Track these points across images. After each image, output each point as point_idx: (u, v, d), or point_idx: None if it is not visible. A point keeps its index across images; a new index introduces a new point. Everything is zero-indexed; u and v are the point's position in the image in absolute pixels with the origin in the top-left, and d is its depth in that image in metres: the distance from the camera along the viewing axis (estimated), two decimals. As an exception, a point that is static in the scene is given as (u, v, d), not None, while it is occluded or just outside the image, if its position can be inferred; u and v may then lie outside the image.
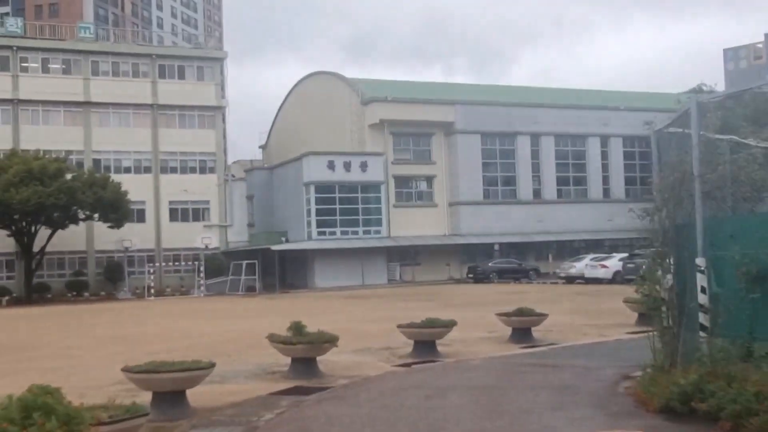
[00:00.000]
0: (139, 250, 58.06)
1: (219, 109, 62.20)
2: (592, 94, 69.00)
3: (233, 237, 62.15)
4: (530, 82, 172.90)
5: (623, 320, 21.84)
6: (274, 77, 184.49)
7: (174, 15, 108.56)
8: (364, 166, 57.20)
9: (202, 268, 55.82)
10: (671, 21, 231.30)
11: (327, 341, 14.05)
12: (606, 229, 63.26)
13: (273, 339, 14.40)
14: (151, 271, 56.31)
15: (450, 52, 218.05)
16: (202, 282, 55.57)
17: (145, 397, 12.45)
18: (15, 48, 57.29)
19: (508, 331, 19.41)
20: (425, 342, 16.29)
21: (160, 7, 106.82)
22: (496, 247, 60.01)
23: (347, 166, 56.89)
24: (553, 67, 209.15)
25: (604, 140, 65.33)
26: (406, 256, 60.16)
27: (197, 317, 32.92)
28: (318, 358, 14.45)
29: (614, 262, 45.51)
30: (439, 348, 16.35)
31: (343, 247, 55.92)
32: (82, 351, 20.29)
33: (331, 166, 56.67)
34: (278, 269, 56.98)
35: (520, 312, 18.06)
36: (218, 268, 58.36)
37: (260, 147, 77.70)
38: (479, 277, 54.96)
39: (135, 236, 56.81)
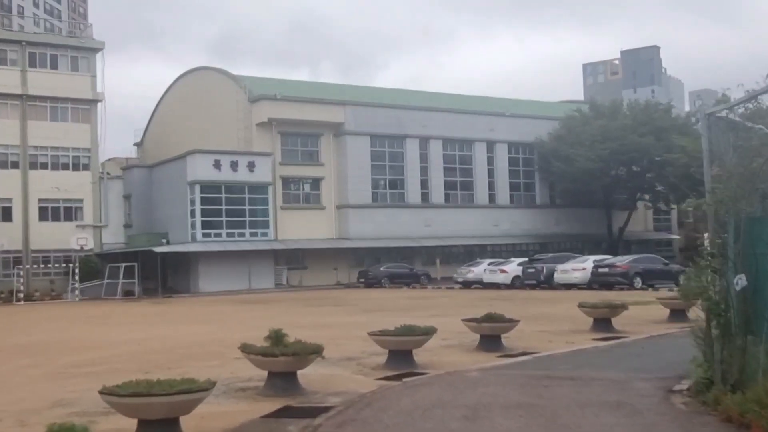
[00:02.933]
0: (5, 252, 53.68)
1: (94, 103, 58.36)
2: (479, 100, 69.35)
3: (109, 238, 58.53)
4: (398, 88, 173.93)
5: (573, 326, 21.16)
6: (139, 74, 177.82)
7: (36, 5, 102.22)
8: (251, 166, 55.01)
9: (76, 271, 52.15)
10: (533, 34, 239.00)
11: (312, 352, 12.42)
12: (492, 234, 63.60)
13: (248, 350, 12.63)
14: (20, 274, 52.18)
15: (318, 56, 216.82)
16: (76, 286, 51.90)
17: (108, 425, 10.57)
18: None
19: (465, 338, 18.36)
20: (400, 351, 14.89)
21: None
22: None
23: (234, 166, 54.56)
24: (420, 75, 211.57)
25: (491, 146, 65.64)
26: (293, 259, 58.37)
27: (89, 324, 30.26)
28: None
29: (513, 267, 45.37)
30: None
31: (229, 250, 53.58)
32: (-17, 365, 17.70)
33: (217, 165, 54.19)
34: (160, 272, 53.98)
35: (490, 318, 16.92)
36: (92, 271, 54.74)
37: (135, 144, 73.87)
38: (370, 281, 53.84)
39: (1, 236, 52.53)
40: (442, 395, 11.50)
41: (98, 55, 59.06)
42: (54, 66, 57.36)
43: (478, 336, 17.60)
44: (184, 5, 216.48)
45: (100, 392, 9.22)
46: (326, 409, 11.11)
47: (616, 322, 20.49)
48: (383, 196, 61.53)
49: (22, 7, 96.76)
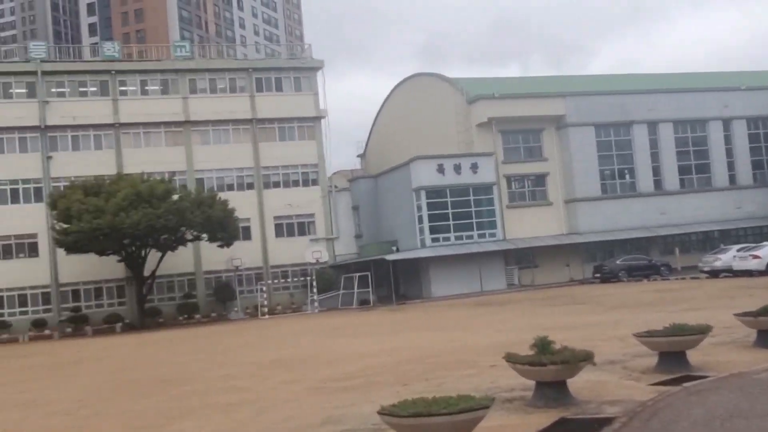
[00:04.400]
0: (247, 269, 56.66)
1: (318, 120, 60.42)
2: (709, 77, 65.08)
3: (341, 249, 60.21)
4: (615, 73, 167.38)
5: None
6: (353, 88, 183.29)
7: (256, 33, 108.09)
8: (474, 168, 54.58)
9: (314, 284, 54.00)
10: (756, 4, 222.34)
11: (582, 359, 11.50)
12: (734, 218, 59.33)
13: (513, 359, 11.90)
14: (263, 289, 54.87)
15: (525, 50, 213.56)
16: (315, 298, 53.73)
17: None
18: (113, 72, 56.56)
19: (735, 333, 16.70)
20: (672, 353, 13.63)
21: (243, 26, 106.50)
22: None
23: (457, 169, 54.35)
24: (634, 58, 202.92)
25: (727, 123, 61.22)
26: (523, 258, 57.25)
27: (334, 335, 30.77)
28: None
29: (767, 252, 41.69)
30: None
31: (458, 253, 53.35)
32: (246, 381, 18.19)
33: (440, 169, 54.19)
34: (392, 280, 54.71)
35: (768, 311, 15.17)
36: (328, 283, 56.49)
37: (358, 156, 75.79)
38: (606, 276, 51.70)
39: (242, 254, 55.45)
40: (737, 403, 10.23)
41: (318, 74, 61.10)
42: (279, 88, 59.95)
43: (750, 331, 15.93)
44: (387, 17, 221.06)
45: (380, 413, 8.83)
46: (607, 420, 10.19)
47: None
48: (612, 187, 59.03)
49: (245, 37, 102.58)
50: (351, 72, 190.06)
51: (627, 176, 59.52)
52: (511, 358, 11.95)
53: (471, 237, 54.66)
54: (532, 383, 12.15)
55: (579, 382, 12.80)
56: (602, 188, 58.51)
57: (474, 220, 54.83)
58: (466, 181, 54.45)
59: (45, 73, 55.20)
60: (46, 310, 53.73)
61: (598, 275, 52.63)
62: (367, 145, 74.77)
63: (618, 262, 52.71)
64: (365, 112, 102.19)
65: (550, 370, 11.39)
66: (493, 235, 55.20)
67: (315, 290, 53.79)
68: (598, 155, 58.32)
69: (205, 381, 18.84)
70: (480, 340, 22.44)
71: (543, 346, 11.65)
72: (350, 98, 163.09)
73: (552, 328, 21.27)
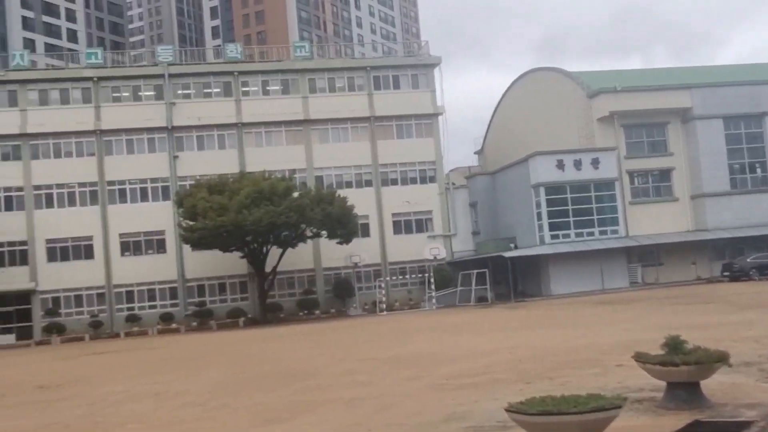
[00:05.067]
0: (365, 265, 57.15)
1: (435, 117, 60.40)
2: None
3: (458, 246, 59.99)
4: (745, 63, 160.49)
5: None
6: (470, 84, 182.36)
7: (373, 31, 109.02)
8: (595, 163, 53.38)
9: (431, 280, 54.02)
10: None
11: (717, 360, 11.03)
12: None
13: (643, 359, 11.52)
14: (381, 285, 55.31)
15: (647, 42, 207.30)
16: (432, 294, 53.75)
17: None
18: (236, 73, 58.08)
19: None
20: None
21: (360, 25, 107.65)
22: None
23: (577, 164, 53.29)
24: (766, 47, 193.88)
25: None
26: (646, 255, 55.58)
27: (453, 332, 30.66)
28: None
29: None
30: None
31: (578, 250, 52.29)
32: (367, 377, 18.31)
33: (560, 165, 53.25)
34: (510, 277, 54.14)
35: None
36: (445, 280, 56.38)
37: (476, 153, 75.36)
38: (736, 274, 49.65)
39: (361, 251, 55.97)
40: None
41: (435, 70, 61.05)
42: (396, 86, 60.24)
43: None
44: (505, 11, 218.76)
45: (507, 410, 8.69)
46: (745, 424, 9.74)
47: None
48: (742, 182, 56.59)
49: (362, 36, 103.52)
50: (468, 68, 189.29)
51: (758, 170, 56.97)
52: (641, 358, 11.57)
53: (592, 234, 53.51)
54: (661, 384, 11.75)
55: (712, 384, 12.28)
56: (731, 183, 56.20)
57: (595, 217, 53.66)
58: (586, 177, 53.33)
59: (172, 75, 57.19)
60: (173, 305, 55.67)
61: (726, 273, 50.61)
62: (484, 141, 74.23)
63: (748, 259, 50.55)
64: (483, 108, 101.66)
65: (683, 370, 10.97)
66: (615, 231, 53.88)
67: (432, 287, 53.82)
68: (727, 149, 56.05)
69: (328, 376, 19.08)
70: (604, 339, 21.89)
71: (675, 345, 11.23)
72: (467, 94, 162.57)
73: (680, 328, 20.45)
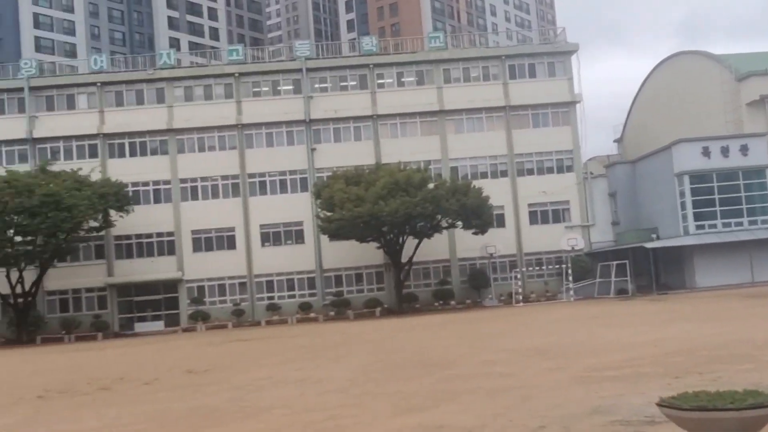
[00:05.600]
0: (501, 256, 56.64)
1: (572, 105, 59.13)
2: None
3: (597, 237, 58.58)
4: None
5: None
6: (607, 70, 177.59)
7: (507, 19, 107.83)
8: (744, 150, 50.97)
9: (569, 272, 53.01)
10: None
11: None
12: None
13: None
14: (517, 276, 54.71)
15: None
16: (570, 286, 52.74)
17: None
18: (371, 66, 58.64)
19: None
20: None
21: (494, 14, 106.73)
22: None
23: (724, 151, 51.04)
24: None
25: None
26: (800, 247, 52.70)
27: (593, 324, 29.94)
28: None
29: None
30: None
31: (726, 241, 50.08)
32: (507, 367, 18.08)
33: (705, 152, 51.14)
34: (652, 269, 52.43)
35: None
36: (583, 271, 55.22)
37: (615, 141, 73.41)
38: None
39: (496, 241, 55.48)
40: None
41: (573, 58, 59.78)
42: (532, 74, 59.35)
43: None
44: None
45: (659, 404, 8.33)
46: None
47: None
48: None
49: (496, 25, 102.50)
50: (606, 54, 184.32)
51: None
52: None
53: (741, 224, 51.19)
54: (827, 382, 11.03)
55: None
56: None
57: (744, 206, 51.30)
58: (734, 165, 51.03)
59: (309, 69, 58.32)
60: (311, 294, 56.83)
61: None
62: (624, 129, 72.20)
63: None
64: (621, 95, 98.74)
65: None
66: (765, 222, 51.30)
67: (570, 278, 52.82)
68: None
69: (467, 366, 18.98)
70: (756, 334, 20.87)
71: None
72: (605, 81, 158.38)
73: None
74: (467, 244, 55.74)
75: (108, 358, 31.97)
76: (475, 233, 52.86)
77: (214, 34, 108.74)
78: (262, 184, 57.72)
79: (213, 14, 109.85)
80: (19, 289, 50.81)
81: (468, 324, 36.80)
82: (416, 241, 52.75)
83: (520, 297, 53.00)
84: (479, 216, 51.55)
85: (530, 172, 58.69)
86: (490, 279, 55.97)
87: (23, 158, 56.55)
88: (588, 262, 56.16)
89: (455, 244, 56.92)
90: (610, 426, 10.72)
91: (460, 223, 52.27)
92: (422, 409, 13.24)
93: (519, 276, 55.04)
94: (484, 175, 57.99)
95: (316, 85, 58.73)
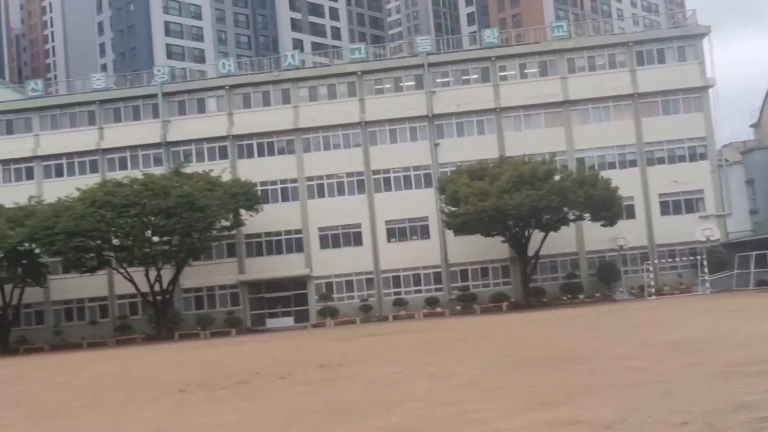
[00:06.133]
0: (631, 248, 55.17)
1: (705, 89, 56.98)
2: None
3: (734, 227, 56.26)
4: None
5: None
6: (740, 52, 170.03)
7: (633, 4, 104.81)
8: None
9: (704, 263, 51.09)
10: None
11: None
12: None
13: None
14: (649, 269, 53.14)
15: None
16: (705, 278, 50.84)
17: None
18: (493, 58, 58.15)
19: None
20: None
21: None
22: None
23: None
24: None
25: None
26: None
27: (733, 318, 28.74)
28: None
29: None
30: None
31: None
32: (643, 362, 17.54)
33: None
34: (795, 259, 49.92)
35: None
36: (719, 262, 53.21)
37: (751, 126, 70.07)
38: None
39: (626, 233, 54.07)
40: None
41: (704, 40, 57.62)
42: (661, 60, 57.59)
43: None
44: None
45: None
46: None
47: None
48: None
49: (621, 10, 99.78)
50: (740, 35, 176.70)
51: None
52: None
53: None
54: None
55: None
56: None
57: None
58: None
59: (431, 65, 58.36)
60: (437, 289, 56.91)
61: None
62: (761, 113, 68.78)
63: None
64: (757, 77, 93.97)
65: None
66: None
67: (706, 270, 50.91)
68: None
69: (601, 360, 18.52)
70: None
71: None
72: (739, 64, 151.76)
73: None
74: (596, 236, 54.55)
75: (243, 353, 32.90)
76: (603, 225, 51.68)
77: (336, 33, 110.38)
78: (387, 180, 58.15)
79: (334, 14, 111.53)
80: (157, 288, 53.00)
81: (599, 318, 35.99)
82: (542, 234, 52.01)
83: (653, 290, 51.43)
84: (608, 207, 50.38)
85: (661, 161, 56.93)
86: (620, 272, 54.62)
87: (158, 161, 58.96)
88: (724, 253, 54.03)
89: (583, 237, 55.82)
90: (757, 423, 10.23)
91: (587, 215, 51.23)
92: (557, 403, 13.00)
93: (651, 268, 53.44)
94: (611, 166, 56.62)
95: (438, 80, 58.73)
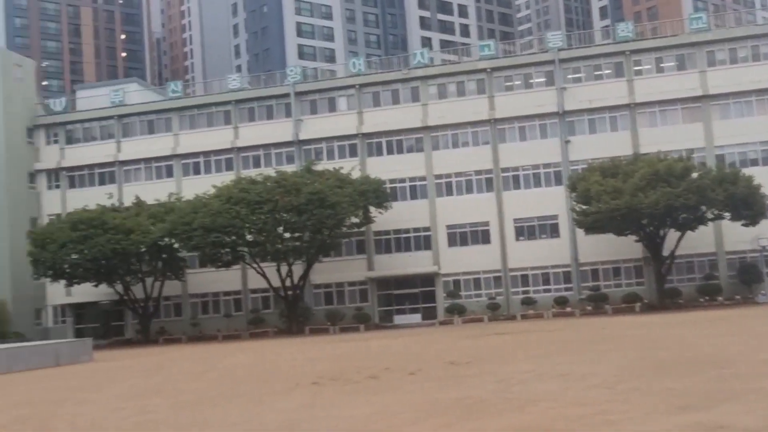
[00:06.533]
0: (775, 250, 52.48)
1: None
2: None
3: None
4: None
5: None
6: None
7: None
8: None
9: None
10: None
11: None
12: None
13: None
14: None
15: None
16: None
17: None
18: (627, 53, 56.56)
19: None
20: None
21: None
22: None
23: None
24: None
25: None
26: None
27: None
28: None
29: None
30: None
31: None
32: (792, 367, 16.63)
33: None
34: None
35: None
36: None
37: None
38: None
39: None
40: None
41: None
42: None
43: None
44: None
45: None
46: None
47: None
48: None
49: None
50: None
51: None
52: None
53: None
54: None
55: None
56: None
57: None
58: None
59: (561, 60, 57.31)
60: (567, 289, 55.85)
61: None
62: None
63: None
64: None
65: None
66: None
67: None
68: None
69: (745, 364, 17.72)
70: None
71: None
72: None
73: None
74: (736, 236, 52.25)
75: (372, 348, 33.24)
76: (744, 225, 49.48)
77: (465, 30, 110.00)
78: (515, 178, 57.50)
79: (463, 11, 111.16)
80: (288, 283, 54.24)
81: (740, 321, 34.46)
82: (678, 233, 50.25)
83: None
84: (749, 206, 48.27)
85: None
86: (763, 273, 52.06)
87: (290, 159, 60.26)
88: None
89: (722, 237, 53.60)
90: None
91: (727, 214, 49.18)
92: (698, 408, 12.49)
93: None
94: (754, 163, 54.14)
95: (569, 76, 57.63)
